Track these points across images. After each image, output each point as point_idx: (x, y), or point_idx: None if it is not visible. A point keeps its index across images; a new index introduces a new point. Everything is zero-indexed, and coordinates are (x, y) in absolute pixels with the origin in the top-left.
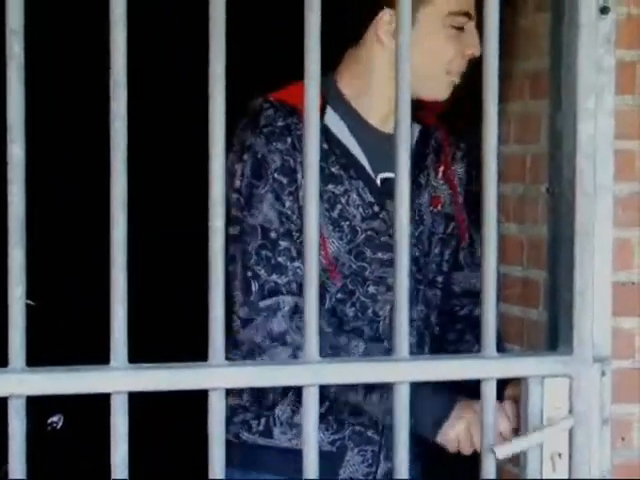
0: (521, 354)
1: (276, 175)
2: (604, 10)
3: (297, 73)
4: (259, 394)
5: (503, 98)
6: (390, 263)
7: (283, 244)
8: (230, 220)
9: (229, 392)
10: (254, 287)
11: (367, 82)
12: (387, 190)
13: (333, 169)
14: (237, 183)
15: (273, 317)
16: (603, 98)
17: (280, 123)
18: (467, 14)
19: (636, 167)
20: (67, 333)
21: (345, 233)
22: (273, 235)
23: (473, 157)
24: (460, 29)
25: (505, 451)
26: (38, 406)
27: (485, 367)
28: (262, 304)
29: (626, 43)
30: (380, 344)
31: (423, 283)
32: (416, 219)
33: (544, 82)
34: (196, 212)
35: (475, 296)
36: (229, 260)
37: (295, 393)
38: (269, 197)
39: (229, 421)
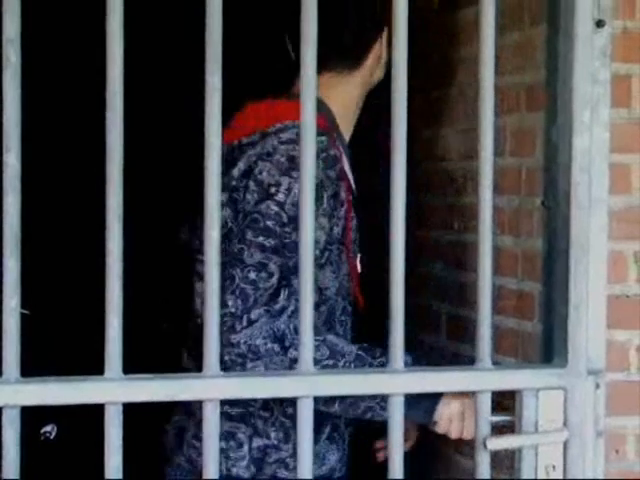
0: (516, 366)
1: (331, 201)
2: (600, 23)
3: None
4: (286, 432)
5: (498, 111)
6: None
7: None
8: (259, 229)
9: (253, 433)
10: (283, 295)
11: (355, 104)
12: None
13: (346, 194)
14: (281, 197)
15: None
16: (598, 111)
17: (332, 152)
18: None
19: (631, 180)
20: (62, 342)
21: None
22: (317, 253)
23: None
24: None
25: (497, 444)
26: (31, 416)
27: (480, 379)
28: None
29: (622, 56)
30: None
31: None
32: None
33: (540, 95)
34: (192, 220)
35: None
36: (254, 266)
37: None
38: (321, 221)
39: (262, 462)
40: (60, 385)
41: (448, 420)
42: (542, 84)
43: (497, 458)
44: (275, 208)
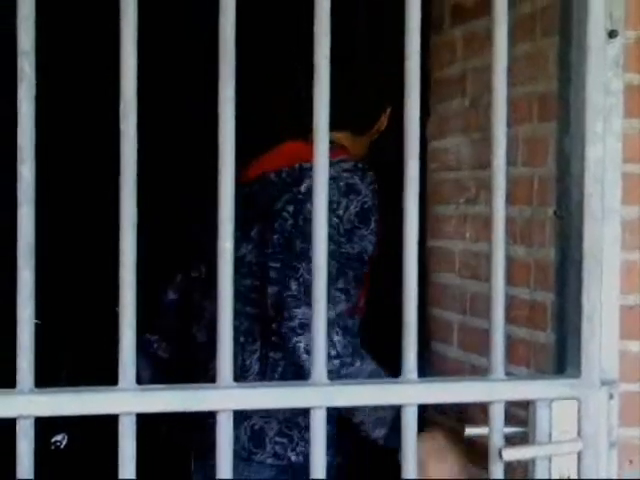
0: (529, 377)
1: (375, 222)
2: (612, 34)
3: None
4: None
5: (511, 121)
6: None
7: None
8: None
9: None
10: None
11: (363, 152)
12: None
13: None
14: (340, 212)
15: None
16: (611, 121)
17: (375, 186)
18: None
19: None
20: (75, 353)
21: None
22: (366, 259)
23: None
24: None
25: (512, 454)
26: (42, 425)
27: (493, 390)
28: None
29: (634, 67)
30: None
31: None
32: None
33: (552, 105)
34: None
35: None
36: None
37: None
38: (370, 237)
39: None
40: (74, 396)
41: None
42: (554, 94)
43: (510, 469)
44: (336, 220)
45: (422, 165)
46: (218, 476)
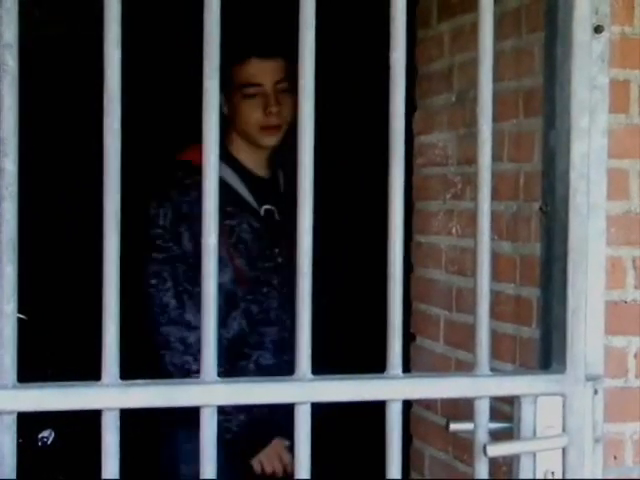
0: (514, 373)
1: None
2: (598, 29)
3: None
4: None
5: (496, 116)
6: (275, 269)
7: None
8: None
9: None
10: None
11: (236, 140)
12: (267, 216)
13: (228, 208)
14: None
15: None
16: (597, 117)
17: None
18: (257, 84)
19: (629, 186)
20: (58, 348)
21: (242, 252)
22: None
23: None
24: (253, 96)
25: (497, 450)
26: (29, 421)
27: (478, 385)
28: None
29: (620, 62)
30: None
31: None
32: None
33: (538, 100)
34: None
35: None
36: None
37: None
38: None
39: None
40: (57, 391)
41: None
42: (540, 90)
43: (495, 464)
44: None
45: (408, 160)
46: (202, 476)
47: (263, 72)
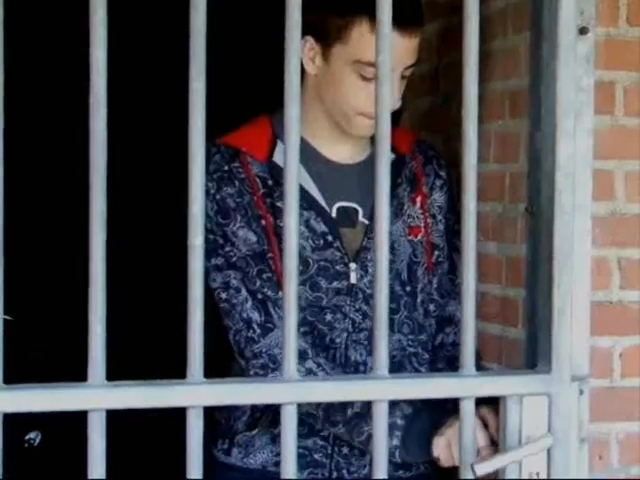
0: (500, 373)
1: None
2: (583, 30)
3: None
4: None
5: (483, 117)
6: (346, 291)
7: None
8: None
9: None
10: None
11: (303, 111)
12: (342, 219)
13: (279, 204)
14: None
15: None
16: (582, 118)
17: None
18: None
19: (614, 187)
20: (45, 349)
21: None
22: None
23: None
24: (369, 79)
25: (484, 468)
26: (15, 423)
27: (464, 386)
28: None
29: (605, 63)
30: (339, 369)
31: (398, 312)
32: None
33: (523, 101)
34: (176, 228)
35: (450, 324)
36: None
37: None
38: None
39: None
40: (42, 392)
41: (437, 458)
42: (526, 91)
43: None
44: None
45: None
46: (188, 475)
47: (399, 52)
